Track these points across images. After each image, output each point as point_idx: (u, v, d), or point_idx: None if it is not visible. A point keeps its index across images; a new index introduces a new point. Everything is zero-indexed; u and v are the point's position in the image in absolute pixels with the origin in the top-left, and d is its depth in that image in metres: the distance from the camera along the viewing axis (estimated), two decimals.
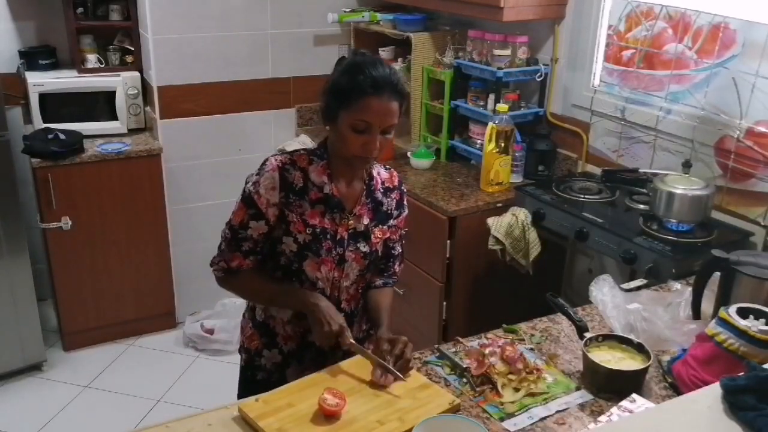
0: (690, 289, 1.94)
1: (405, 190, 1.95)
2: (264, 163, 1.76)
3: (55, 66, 3.58)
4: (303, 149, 1.82)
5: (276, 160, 1.75)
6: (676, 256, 2.28)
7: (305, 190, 1.75)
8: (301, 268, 1.77)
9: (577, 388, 1.69)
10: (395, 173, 1.93)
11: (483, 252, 2.83)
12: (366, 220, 1.82)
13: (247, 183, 1.76)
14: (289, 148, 3.72)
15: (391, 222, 1.88)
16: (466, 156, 3.34)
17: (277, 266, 1.81)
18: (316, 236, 1.75)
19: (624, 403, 1.59)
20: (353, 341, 1.72)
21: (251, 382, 1.93)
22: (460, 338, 1.88)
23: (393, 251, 1.95)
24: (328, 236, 1.76)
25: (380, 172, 1.89)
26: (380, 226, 1.85)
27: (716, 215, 2.53)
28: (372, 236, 1.82)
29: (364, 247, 1.81)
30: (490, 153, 2.93)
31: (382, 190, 1.86)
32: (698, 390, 1.36)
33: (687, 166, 2.51)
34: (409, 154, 3.33)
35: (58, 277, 3.44)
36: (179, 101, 3.57)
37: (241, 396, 1.84)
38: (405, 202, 1.94)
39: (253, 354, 1.93)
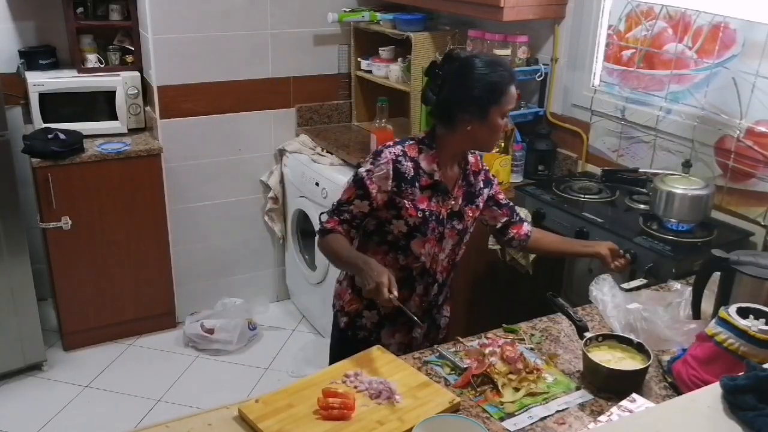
0: (690, 289, 1.94)
1: (488, 169, 2.17)
2: (379, 155, 1.96)
3: (55, 66, 3.57)
4: (411, 138, 2.02)
5: (390, 153, 1.95)
6: (676, 256, 2.28)
7: (416, 178, 1.95)
8: (407, 246, 1.99)
9: (577, 388, 1.69)
10: (478, 157, 2.14)
11: (483, 252, 2.84)
12: (461, 201, 2.04)
13: (359, 168, 1.97)
14: (289, 148, 3.77)
15: (479, 201, 2.09)
16: None
17: (383, 241, 2.02)
18: (425, 218, 1.96)
19: (624, 403, 1.60)
20: (393, 296, 1.73)
21: (353, 341, 2.08)
22: (460, 338, 1.89)
23: (502, 208, 2.17)
24: (434, 217, 1.97)
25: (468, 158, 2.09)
26: (470, 205, 2.07)
27: (716, 215, 2.53)
28: (465, 215, 2.05)
29: (458, 225, 2.04)
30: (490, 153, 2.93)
31: (472, 173, 2.08)
32: (698, 390, 1.36)
33: (687, 166, 2.52)
34: None
35: (58, 277, 3.44)
36: (179, 101, 3.57)
37: (336, 358, 1.92)
38: (491, 176, 2.17)
39: (353, 316, 2.11)
